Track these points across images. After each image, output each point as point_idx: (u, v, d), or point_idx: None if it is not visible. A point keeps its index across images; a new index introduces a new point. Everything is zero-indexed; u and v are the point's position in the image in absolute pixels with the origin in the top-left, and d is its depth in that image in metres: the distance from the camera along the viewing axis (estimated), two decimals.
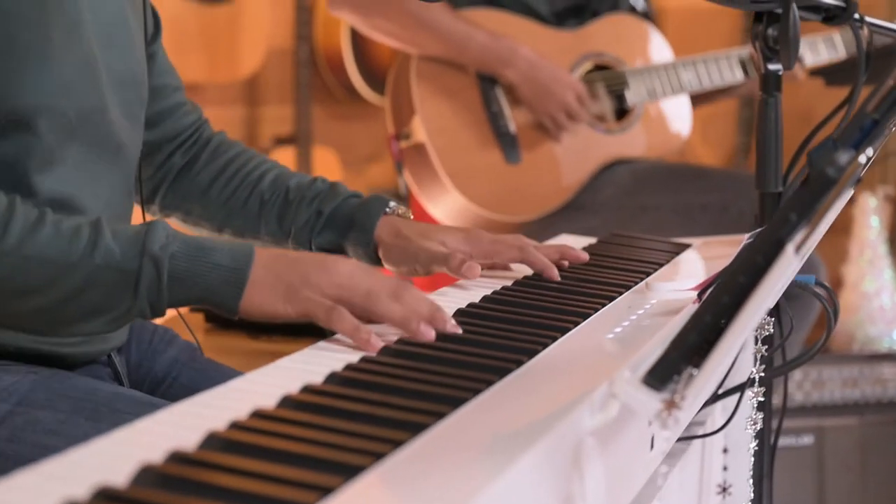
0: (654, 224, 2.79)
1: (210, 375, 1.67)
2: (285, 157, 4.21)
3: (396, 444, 0.95)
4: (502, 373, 1.16)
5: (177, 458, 0.90)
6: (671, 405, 0.99)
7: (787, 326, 1.66)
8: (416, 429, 0.98)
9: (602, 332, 1.37)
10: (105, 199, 1.49)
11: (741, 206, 2.76)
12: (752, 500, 1.75)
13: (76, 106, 1.42)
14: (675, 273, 1.74)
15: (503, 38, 2.80)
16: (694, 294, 1.48)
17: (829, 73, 2.95)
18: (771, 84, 1.70)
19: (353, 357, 1.20)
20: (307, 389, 1.08)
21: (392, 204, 1.68)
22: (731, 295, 1.02)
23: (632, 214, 2.85)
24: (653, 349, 1.18)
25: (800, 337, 2.76)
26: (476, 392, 1.09)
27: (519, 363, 1.20)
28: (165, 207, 1.77)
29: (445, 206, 2.83)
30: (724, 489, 1.87)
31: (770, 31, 1.66)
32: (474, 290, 1.53)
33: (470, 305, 1.43)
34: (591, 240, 1.95)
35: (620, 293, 1.54)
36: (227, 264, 1.33)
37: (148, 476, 0.86)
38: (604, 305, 1.47)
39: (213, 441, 0.94)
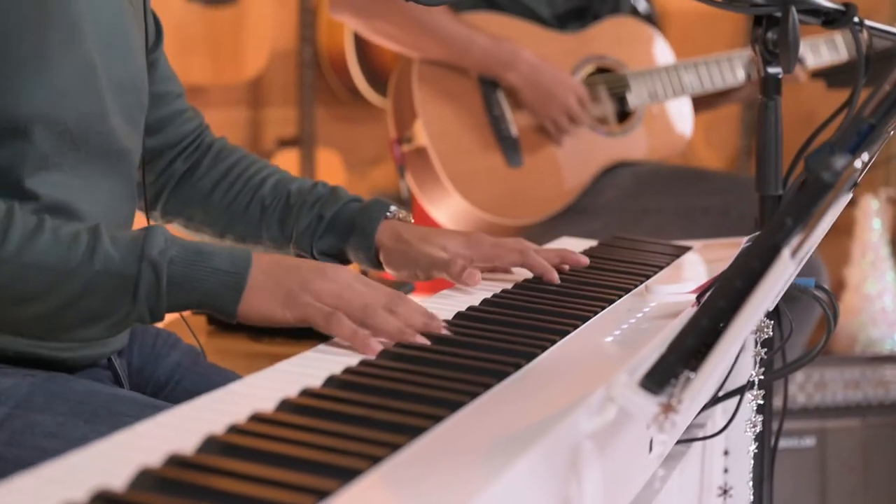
0: (655, 227, 2.80)
1: (213, 380, 1.68)
2: (289, 159, 4.21)
3: (394, 447, 0.95)
4: (500, 376, 1.16)
5: (175, 461, 0.90)
6: (668, 409, 0.99)
7: (786, 329, 1.66)
8: (414, 432, 0.99)
9: (601, 336, 1.37)
10: (105, 204, 1.50)
11: (742, 208, 2.77)
12: (753, 503, 1.75)
13: (74, 113, 1.43)
14: (675, 276, 1.74)
15: (505, 42, 2.81)
16: (693, 297, 1.48)
17: (831, 76, 2.95)
18: (771, 87, 1.71)
19: (352, 360, 1.20)
20: (306, 393, 1.09)
21: (393, 208, 1.69)
22: (727, 299, 1.03)
23: (633, 217, 2.85)
24: (651, 352, 1.19)
25: (801, 339, 2.77)
26: (474, 395, 1.10)
27: (517, 366, 1.20)
28: (167, 213, 1.78)
29: (447, 209, 2.84)
30: (725, 491, 1.87)
31: (770, 35, 1.67)
32: (474, 294, 1.53)
33: (469, 309, 1.43)
34: (592, 242, 1.95)
35: (620, 296, 1.55)
36: (226, 269, 1.34)
37: (146, 479, 0.87)
38: (603, 308, 1.48)
39: (211, 444, 0.94)
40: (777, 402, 1.82)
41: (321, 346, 1.29)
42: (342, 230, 1.69)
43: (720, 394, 1.61)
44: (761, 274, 1.00)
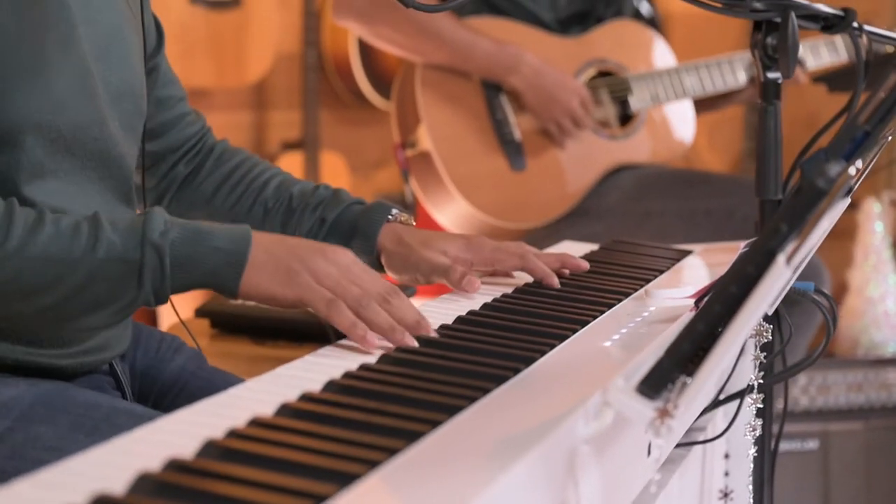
0: (658, 229, 2.80)
1: (217, 385, 1.68)
2: (293, 162, 4.22)
3: (392, 452, 0.96)
4: (499, 380, 1.17)
5: (174, 466, 0.91)
6: (664, 413, 1.00)
7: (786, 333, 1.67)
8: (412, 437, 1.00)
9: (600, 340, 1.38)
10: (102, 210, 1.50)
11: (745, 211, 2.77)
12: None
13: (70, 121, 1.43)
14: (675, 280, 1.75)
15: (507, 46, 2.82)
16: (691, 302, 1.49)
17: (832, 80, 2.96)
18: (770, 92, 1.71)
19: (352, 365, 1.21)
20: (305, 397, 1.09)
21: (395, 211, 1.70)
22: (723, 304, 1.03)
23: (636, 220, 2.85)
24: (648, 357, 1.19)
25: (803, 342, 2.77)
26: (473, 400, 1.11)
27: (516, 371, 1.21)
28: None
29: (451, 213, 2.85)
30: (726, 495, 1.87)
31: (769, 40, 1.67)
32: (474, 298, 1.54)
33: (470, 313, 1.44)
34: (593, 246, 1.96)
35: (620, 300, 1.55)
36: (227, 247, 1.36)
37: (146, 484, 0.87)
38: (602, 313, 1.48)
39: (210, 449, 0.95)
40: (778, 405, 1.82)
41: (321, 351, 1.30)
42: (344, 233, 1.70)
43: (720, 397, 1.62)
44: (757, 280, 1.01)
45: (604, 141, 2.92)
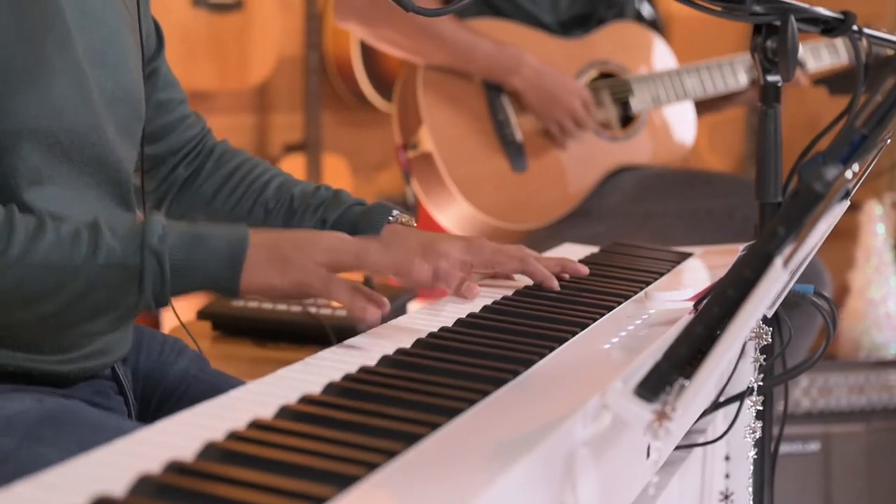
0: (659, 230, 2.81)
1: (220, 388, 1.68)
2: (295, 165, 4.23)
3: (391, 454, 0.96)
4: (498, 383, 1.17)
5: (175, 467, 0.92)
6: (662, 416, 1.00)
7: (786, 336, 1.67)
8: (411, 439, 1.00)
9: (599, 343, 1.38)
10: (100, 215, 1.50)
11: (746, 210, 2.77)
12: None
13: (67, 126, 1.43)
14: (675, 282, 1.75)
15: (508, 47, 2.82)
16: (691, 304, 1.49)
17: (833, 83, 2.96)
18: (770, 95, 1.71)
19: (352, 367, 1.21)
20: (305, 400, 1.10)
21: (396, 212, 1.70)
22: (720, 307, 1.04)
23: (637, 221, 2.86)
24: (647, 360, 1.20)
25: (804, 345, 2.77)
26: (472, 403, 1.11)
27: (515, 373, 1.21)
28: (170, 217, 1.78)
29: (453, 214, 2.85)
30: (727, 497, 1.88)
31: (769, 43, 1.68)
32: (475, 300, 1.54)
33: (469, 315, 1.44)
34: (594, 249, 1.96)
35: (619, 303, 1.56)
36: (225, 249, 1.36)
37: (146, 486, 0.88)
38: (602, 315, 1.49)
39: (210, 451, 0.95)
40: (779, 407, 1.83)
41: (321, 353, 1.30)
42: (345, 233, 1.70)
43: (720, 399, 1.62)
44: (754, 283, 1.02)
45: (605, 142, 2.92)
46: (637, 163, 2.97)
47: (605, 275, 1.71)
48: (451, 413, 1.07)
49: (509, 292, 1.59)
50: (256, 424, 1.03)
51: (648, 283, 1.69)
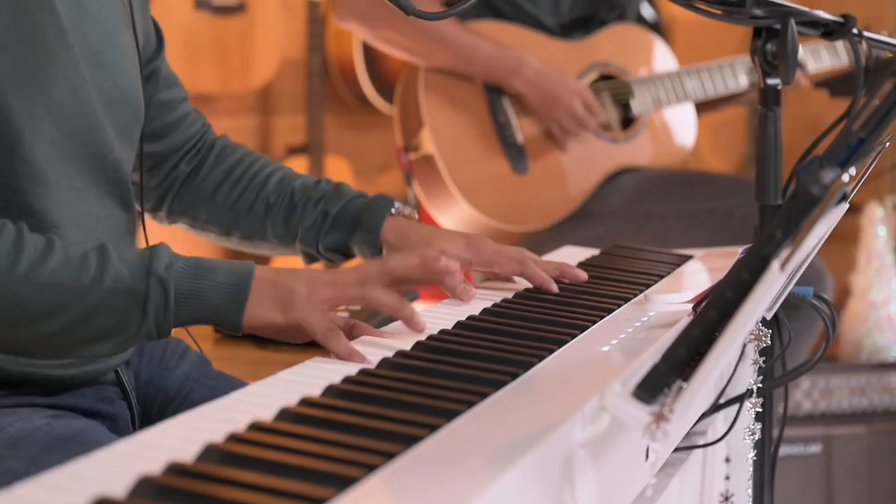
0: (660, 231, 2.81)
1: (222, 391, 1.68)
2: (298, 167, 4.20)
3: (389, 455, 0.97)
4: (497, 385, 1.18)
5: (175, 469, 0.92)
6: (660, 418, 1.01)
7: (786, 338, 1.68)
8: (410, 441, 1.01)
9: (598, 345, 1.39)
10: (103, 216, 1.51)
11: (746, 211, 2.78)
12: None
13: (64, 127, 1.43)
14: (675, 285, 1.75)
15: (510, 49, 2.83)
16: (689, 307, 1.50)
17: (834, 85, 2.96)
18: (770, 98, 1.72)
19: (352, 370, 1.22)
20: (305, 402, 1.10)
21: (398, 204, 1.71)
22: (718, 310, 1.05)
23: (638, 222, 2.86)
24: (645, 362, 1.20)
25: (805, 347, 2.77)
26: (470, 405, 1.12)
27: (515, 376, 1.22)
28: (172, 214, 1.79)
29: (454, 216, 2.86)
30: (727, 498, 1.88)
31: (769, 47, 1.68)
32: (474, 303, 1.55)
33: (469, 318, 1.45)
34: (595, 251, 1.97)
35: (619, 305, 1.56)
36: (229, 282, 1.36)
37: (146, 487, 0.89)
38: (602, 318, 1.49)
39: (211, 453, 0.96)
40: (779, 409, 1.83)
41: (322, 356, 1.31)
42: (347, 226, 1.71)
43: (720, 401, 1.63)
44: (751, 285, 1.02)
45: (605, 144, 2.93)
46: (637, 164, 2.98)
47: (604, 277, 1.72)
48: (450, 415, 1.08)
49: (509, 295, 1.59)
50: (256, 426, 1.03)
51: (648, 286, 1.69)
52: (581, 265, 1.82)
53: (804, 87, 2.96)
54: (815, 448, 3.20)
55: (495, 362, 1.25)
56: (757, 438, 1.68)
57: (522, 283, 1.66)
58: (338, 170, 4.35)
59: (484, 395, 1.14)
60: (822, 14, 1.69)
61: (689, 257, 1.95)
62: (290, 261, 3.41)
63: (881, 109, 1.14)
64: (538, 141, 2.87)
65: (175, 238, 1.63)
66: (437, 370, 1.23)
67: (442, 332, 1.38)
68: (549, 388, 1.22)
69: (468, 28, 2.83)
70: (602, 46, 2.99)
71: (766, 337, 1.59)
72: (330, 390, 1.14)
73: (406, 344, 1.33)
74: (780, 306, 1.64)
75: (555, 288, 1.61)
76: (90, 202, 1.49)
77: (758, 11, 1.65)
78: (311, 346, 1.39)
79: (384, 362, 1.26)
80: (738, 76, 2.98)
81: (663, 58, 3.08)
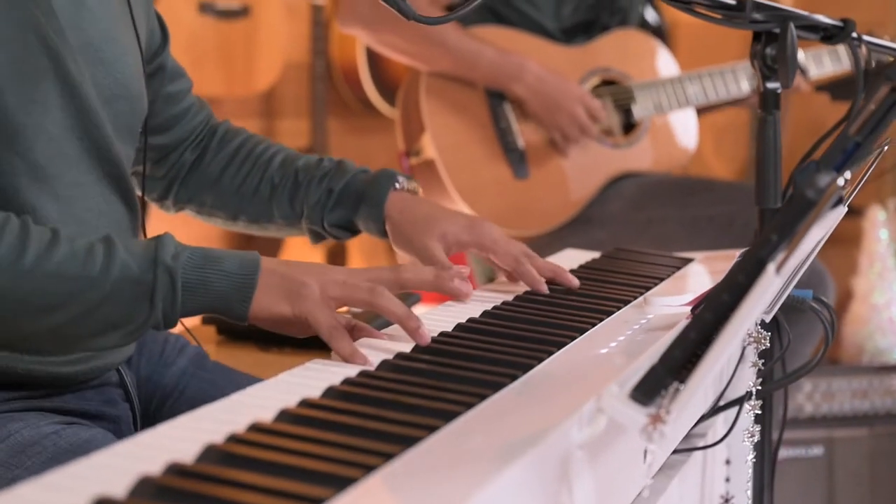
0: (660, 237, 2.82)
1: (218, 384, 1.69)
2: None
3: (388, 456, 0.98)
4: (496, 387, 1.19)
5: (175, 469, 0.93)
6: (657, 419, 1.02)
7: (785, 340, 1.68)
8: (408, 442, 1.01)
9: (598, 347, 1.39)
10: (105, 211, 1.51)
11: (747, 217, 2.78)
12: None
13: (60, 124, 1.44)
14: (674, 288, 1.76)
15: (511, 54, 2.83)
16: (688, 309, 1.51)
17: (835, 89, 2.97)
18: (770, 102, 1.72)
19: (352, 372, 1.23)
20: (304, 403, 1.11)
21: (401, 178, 1.72)
22: (714, 313, 1.05)
23: (639, 227, 2.87)
24: (643, 364, 1.21)
25: (807, 350, 2.78)
26: (469, 406, 1.12)
27: (514, 378, 1.23)
28: (179, 201, 1.80)
29: None
30: (727, 500, 1.89)
31: (769, 51, 1.69)
32: (474, 305, 1.55)
33: (469, 320, 1.46)
34: (595, 254, 1.97)
35: (619, 308, 1.57)
36: (236, 271, 1.36)
37: (146, 487, 0.89)
38: (601, 320, 1.50)
39: (210, 453, 0.97)
40: (780, 411, 1.83)
41: (322, 358, 1.32)
42: (352, 201, 1.72)
43: (720, 404, 1.64)
44: (747, 288, 1.03)
45: (607, 149, 2.93)
46: (639, 170, 2.98)
47: (605, 280, 1.73)
48: (449, 416, 1.09)
49: (509, 297, 1.60)
50: (256, 427, 1.04)
51: (648, 289, 1.70)
52: (581, 268, 1.83)
53: (805, 91, 2.96)
54: (816, 451, 3.21)
55: (494, 364, 1.26)
56: (756, 441, 1.68)
57: (522, 286, 1.67)
58: None
59: (483, 397, 1.15)
60: (822, 18, 1.70)
61: (689, 260, 1.95)
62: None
63: (877, 113, 1.15)
64: (539, 146, 2.87)
65: (178, 232, 1.64)
66: (437, 372, 1.24)
67: (442, 334, 1.39)
68: (548, 390, 1.23)
69: (470, 33, 2.84)
70: (604, 51, 3.00)
71: (765, 339, 1.59)
72: (330, 392, 1.15)
73: (406, 346, 1.34)
74: (780, 309, 1.64)
75: (545, 290, 1.62)
76: (91, 198, 1.49)
77: (757, 15, 1.66)
78: (314, 348, 1.39)
79: (384, 364, 1.27)
80: (740, 81, 2.98)
81: (665, 63, 3.09)
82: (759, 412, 1.64)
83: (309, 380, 1.21)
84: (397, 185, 1.71)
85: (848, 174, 1.06)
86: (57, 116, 1.43)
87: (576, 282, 1.67)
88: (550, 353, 1.33)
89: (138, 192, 1.65)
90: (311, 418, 1.08)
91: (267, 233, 1.80)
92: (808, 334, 2.71)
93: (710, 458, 1.80)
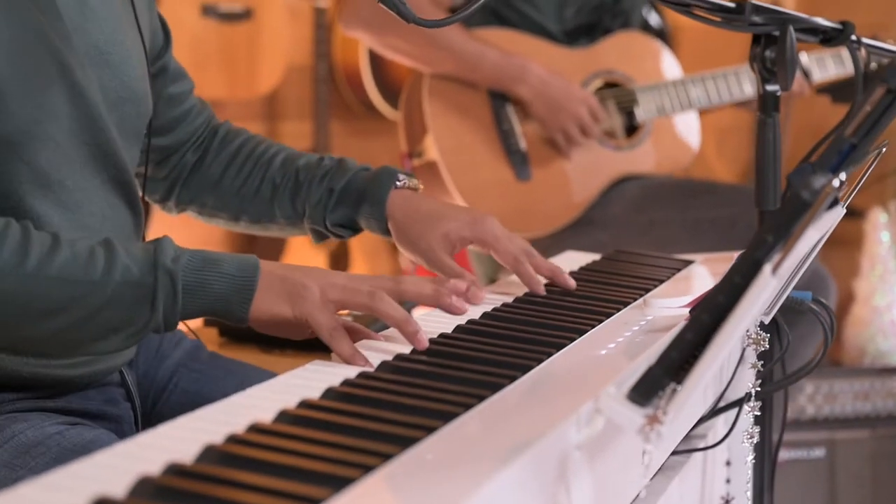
0: (663, 239, 2.82)
1: (211, 374, 1.69)
2: None
3: (386, 457, 0.98)
4: (495, 388, 1.19)
5: (174, 470, 0.94)
6: (654, 420, 1.02)
7: (784, 342, 1.69)
8: (407, 442, 1.02)
9: (597, 349, 1.40)
10: (109, 216, 1.52)
11: (749, 219, 2.78)
12: None
13: (66, 129, 1.44)
14: (674, 290, 1.76)
15: (514, 56, 2.84)
16: (687, 311, 1.51)
17: (836, 91, 2.97)
18: (769, 105, 1.73)
19: (351, 373, 1.23)
20: (304, 404, 1.12)
21: (402, 176, 1.72)
22: (711, 314, 1.06)
23: (641, 229, 2.87)
24: (642, 365, 1.22)
25: (808, 352, 2.78)
26: (468, 407, 1.13)
27: (513, 379, 1.23)
28: (180, 202, 1.80)
29: None
30: (727, 502, 1.89)
31: (768, 53, 1.69)
32: (474, 307, 1.56)
33: (469, 322, 1.46)
34: (596, 256, 1.98)
35: (618, 309, 1.58)
36: (236, 273, 1.37)
37: (145, 487, 0.90)
38: (601, 322, 1.50)
39: (210, 454, 0.97)
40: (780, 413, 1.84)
41: (322, 360, 1.33)
42: (353, 200, 1.72)
43: (719, 405, 1.64)
44: (743, 289, 1.03)
45: (609, 151, 2.94)
46: (641, 172, 2.99)
47: (605, 282, 1.73)
48: (447, 417, 1.09)
49: (509, 299, 1.61)
50: (255, 428, 1.05)
51: (648, 290, 1.70)
52: (582, 269, 1.83)
53: (806, 94, 2.97)
54: (818, 452, 3.21)
55: (494, 365, 1.27)
56: (756, 442, 1.69)
57: (522, 288, 1.67)
58: None
59: (482, 398, 1.16)
60: (821, 21, 1.71)
61: (689, 262, 1.96)
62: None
63: (873, 115, 1.16)
64: (541, 148, 2.88)
65: (179, 234, 1.64)
66: (436, 373, 1.24)
67: (442, 335, 1.40)
68: (547, 391, 1.23)
69: (473, 35, 2.85)
70: (607, 54, 3.00)
71: (764, 341, 1.60)
72: (329, 393, 1.16)
73: (406, 347, 1.35)
74: (780, 311, 1.65)
75: (542, 291, 1.62)
76: (95, 202, 1.50)
77: (756, 18, 1.67)
78: (316, 350, 1.40)
79: (383, 365, 1.27)
80: (743, 84, 2.99)
81: (668, 65, 3.09)
82: (759, 413, 1.65)
83: (308, 381, 1.22)
84: (398, 183, 1.71)
85: (843, 176, 1.06)
86: (64, 123, 1.44)
87: (572, 283, 1.67)
88: (549, 355, 1.33)
89: (139, 194, 1.65)
90: (311, 419, 1.08)
91: (269, 233, 1.81)
92: (808, 336, 2.71)
93: (710, 459, 1.80)
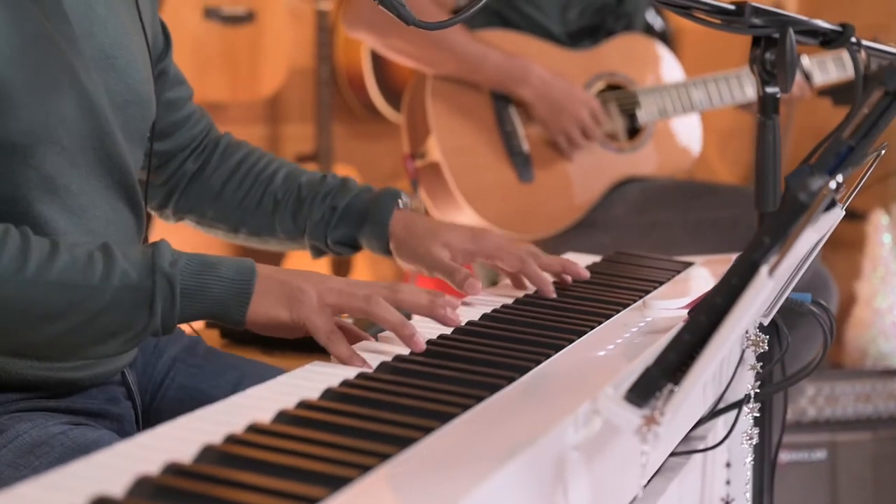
0: (664, 240, 2.82)
1: (208, 369, 1.70)
2: None
3: (384, 457, 0.99)
4: (493, 389, 1.20)
5: (173, 469, 0.94)
6: (651, 420, 1.03)
7: (784, 344, 1.69)
8: (405, 443, 1.02)
9: (595, 350, 1.40)
10: (112, 219, 1.52)
11: (751, 221, 2.78)
12: None
13: (72, 133, 1.44)
14: (674, 291, 1.77)
15: (517, 58, 2.84)
16: (685, 312, 1.51)
17: (837, 93, 2.97)
18: (769, 107, 1.73)
19: (350, 373, 1.24)
20: (303, 405, 1.12)
21: (404, 197, 1.73)
22: (708, 315, 1.06)
23: (642, 231, 2.88)
24: (639, 366, 1.22)
25: (809, 354, 2.78)
26: (466, 408, 1.13)
27: (511, 380, 1.24)
28: (179, 211, 1.81)
29: (460, 223, 2.87)
30: (727, 503, 1.89)
31: (768, 56, 1.70)
32: (475, 308, 1.57)
33: (469, 323, 1.47)
34: (596, 258, 1.98)
35: (618, 311, 1.58)
36: (233, 277, 1.38)
37: (144, 487, 0.90)
38: (600, 323, 1.51)
39: (208, 454, 0.98)
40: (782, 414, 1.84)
41: (322, 361, 1.33)
42: (355, 220, 1.73)
43: (719, 406, 1.64)
44: (741, 291, 1.04)
45: (611, 154, 2.94)
46: (643, 174, 2.99)
47: (605, 283, 1.73)
48: (445, 418, 1.10)
49: (508, 300, 1.61)
50: (254, 428, 1.05)
51: (648, 292, 1.71)
52: None
53: (807, 97, 2.97)
54: (819, 454, 3.21)
55: (492, 366, 1.27)
56: (755, 443, 1.69)
57: (529, 288, 1.68)
58: None
59: (480, 399, 1.16)
60: (821, 23, 1.71)
61: (689, 264, 1.96)
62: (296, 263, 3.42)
63: (871, 117, 1.16)
64: (544, 150, 2.88)
65: (180, 239, 1.65)
66: (435, 374, 1.25)
67: (441, 336, 1.40)
68: (545, 392, 1.24)
69: (476, 37, 2.85)
70: (609, 56, 3.01)
71: (763, 343, 1.60)
72: (328, 393, 1.16)
73: (404, 349, 1.35)
74: (780, 313, 1.65)
75: (551, 292, 1.63)
76: (99, 206, 1.50)
77: (756, 20, 1.67)
78: (315, 352, 1.40)
79: (382, 366, 1.28)
80: (745, 87, 2.99)
81: (670, 68, 3.09)
82: (759, 415, 1.65)
83: (307, 381, 1.23)
84: (400, 205, 1.72)
85: (841, 177, 1.07)
86: (71, 127, 1.44)
87: (586, 273, 1.69)
88: (548, 356, 1.34)
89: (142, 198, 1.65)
90: (309, 419, 1.09)
91: (266, 246, 1.82)
92: (809, 338, 2.71)
93: (710, 460, 1.80)
